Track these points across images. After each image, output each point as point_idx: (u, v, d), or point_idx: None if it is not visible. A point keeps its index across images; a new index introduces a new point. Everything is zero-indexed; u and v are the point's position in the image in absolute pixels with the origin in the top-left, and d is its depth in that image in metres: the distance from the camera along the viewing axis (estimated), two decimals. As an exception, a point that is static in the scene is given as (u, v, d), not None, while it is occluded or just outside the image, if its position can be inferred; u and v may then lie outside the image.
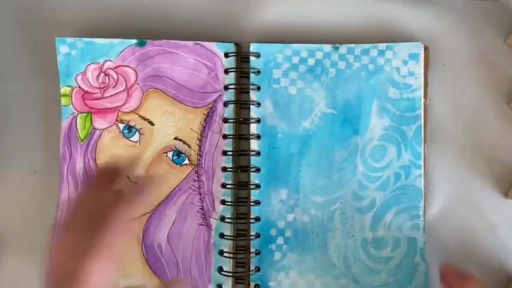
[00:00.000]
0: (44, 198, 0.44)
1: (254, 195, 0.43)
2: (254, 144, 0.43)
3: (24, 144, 0.45)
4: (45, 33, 0.45)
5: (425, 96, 0.43)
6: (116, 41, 0.43)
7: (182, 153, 0.43)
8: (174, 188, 0.43)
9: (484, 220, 0.44)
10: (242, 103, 0.44)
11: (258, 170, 0.43)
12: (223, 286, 0.42)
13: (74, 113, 0.43)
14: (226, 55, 0.43)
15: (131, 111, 0.43)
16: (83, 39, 0.43)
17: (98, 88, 0.43)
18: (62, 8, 0.46)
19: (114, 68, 0.43)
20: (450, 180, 0.44)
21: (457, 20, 0.44)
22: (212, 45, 0.43)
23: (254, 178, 0.43)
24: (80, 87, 0.43)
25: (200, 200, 0.43)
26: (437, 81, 0.44)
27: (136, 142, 0.43)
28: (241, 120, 0.43)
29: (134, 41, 0.43)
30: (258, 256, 0.43)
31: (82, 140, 0.43)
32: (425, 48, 0.43)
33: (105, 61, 0.43)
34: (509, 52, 0.44)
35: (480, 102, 0.44)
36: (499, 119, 0.44)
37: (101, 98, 0.43)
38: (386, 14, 0.44)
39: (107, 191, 0.34)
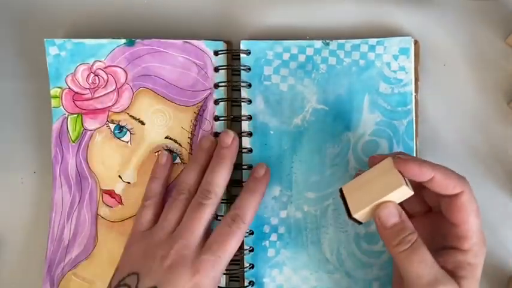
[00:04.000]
0: (43, 198, 0.44)
1: (246, 192, 0.43)
2: (246, 142, 0.43)
3: (24, 144, 0.45)
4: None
5: (416, 91, 0.43)
6: (104, 41, 0.43)
7: (174, 152, 0.43)
8: (167, 187, 0.43)
9: (484, 220, 0.43)
10: (233, 101, 0.44)
11: (250, 167, 0.43)
12: (217, 283, 0.42)
13: (65, 114, 0.43)
14: (216, 53, 0.43)
15: (122, 111, 0.43)
16: (72, 40, 0.43)
17: (88, 89, 0.43)
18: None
19: (104, 68, 0.43)
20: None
21: (457, 20, 0.44)
22: (201, 44, 0.43)
23: (247, 175, 0.43)
24: (70, 88, 0.43)
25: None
26: (437, 81, 0.44)
27: (127, 142, 0.43)
28: (233, 118, 0.43)
29: (123, 40, 0.43)
30: (252, 253, 0.43)
31: (73, 141, 0.43)
32: (416, 43, 0.43)
33: (94, 61, 0.43)
34: (509, 52, 0.44)
35: (480, 102, 0.44)
36: (499, 119, 0.44)
37: (91, 99, 0.43)
38: (384, 14, 0.44)
39: None
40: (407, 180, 0.34)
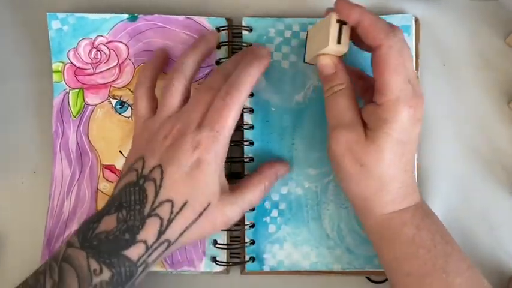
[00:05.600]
0: (43, 198, 0.44)
1: (248, 168, 0.43)
2: (247, 118, 0.43)
3: (24, 144, 0.45)
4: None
5: (416, 68, 0.43)
6: (107, 16, 0.43)
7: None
8: None
9: (484, 220, 0.44)
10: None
11: (251, 143, 0.43)
12: (217, 259, 0.42)
13: (66, 89, 0.43)
14: (218, 30, 0.43)
15: (123, 87, 0.43)
16: (75, 14, 0.43)
17: (90, 64, 0.43)
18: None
19: (106, 43, 0.43)
20: (450, 181, 0.44)
21: (457, 20, 0.44)
22: (203, 20, 0.43)
23: (248, 152, 0.43)
24: (71, 63, 0.43)
25: (194, 174, 0.43)
26: (437, 81, 0.44)
27: (128, 117, 0.43)
28: (234, 95, 0.43)
29: (126, 16, 0.43)
30: (253, 229, 0.43)
31: (74, 116, 0.43)
32: (416, 21, 0.43)
33: (96, 36, 0.43)
34: (509, 52, 0.44)
35: (480, 102, 0.44)
36: (499, 119, 0.44)
37: (93, 74, 0.43)
38: (384, 14, 0.44)
39: None
40: (343, 38, 0.36)
